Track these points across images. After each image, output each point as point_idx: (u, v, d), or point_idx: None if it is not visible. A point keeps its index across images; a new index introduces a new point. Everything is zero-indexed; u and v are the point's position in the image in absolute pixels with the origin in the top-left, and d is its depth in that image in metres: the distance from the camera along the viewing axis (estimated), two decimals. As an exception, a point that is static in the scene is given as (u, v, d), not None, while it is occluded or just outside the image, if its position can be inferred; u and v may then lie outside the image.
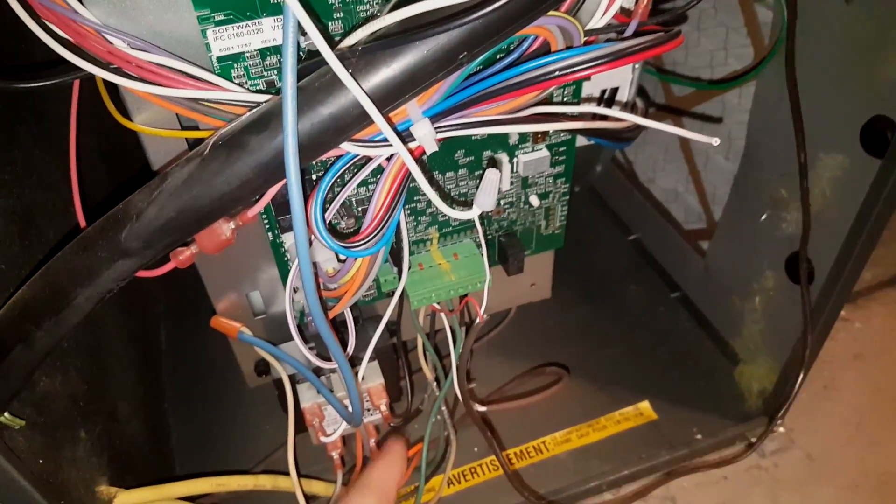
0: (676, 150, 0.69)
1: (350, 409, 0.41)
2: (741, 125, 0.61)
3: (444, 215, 0.42)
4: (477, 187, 0.41)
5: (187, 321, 0.71)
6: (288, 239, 0.38)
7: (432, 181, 0.38)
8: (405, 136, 0.30)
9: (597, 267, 0.71)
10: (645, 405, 0.60)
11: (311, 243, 0.35)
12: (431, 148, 0.29)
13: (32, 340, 0.28)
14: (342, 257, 0.39)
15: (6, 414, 0.32)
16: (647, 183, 0.74)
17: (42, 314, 0.28)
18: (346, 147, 0.29)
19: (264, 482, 0.49)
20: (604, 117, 0.36)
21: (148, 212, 0.26)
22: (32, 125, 0.48)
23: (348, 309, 0.40)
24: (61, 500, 0.36)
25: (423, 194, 0.41)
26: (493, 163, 0.39)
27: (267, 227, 0.39)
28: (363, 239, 0.32)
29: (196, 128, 0.33)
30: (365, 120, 0.26)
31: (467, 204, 0.41)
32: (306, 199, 0.32)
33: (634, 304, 0.68)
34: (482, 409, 0.46)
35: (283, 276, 0.43)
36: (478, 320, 0.39)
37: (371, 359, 0.44)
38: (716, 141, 0.30)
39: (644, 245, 0.73)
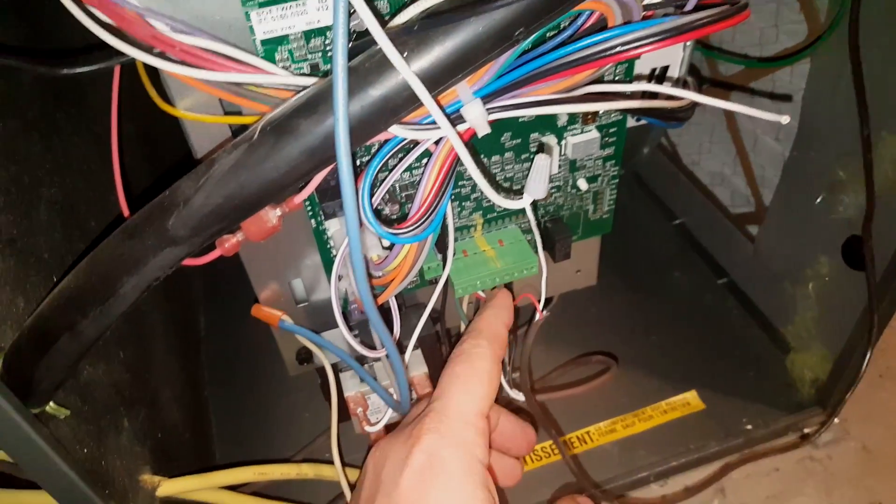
0: (723, 131, 0.67)
1: (395, 396, 0.40)
2: (794, 104, 0.58)
3: (490, 200, 0.41)
4: (523, 171, 0.40)
5: (226, 308, 0.71)
6: (332, 226, 0.37)
7: (482, 167, 0.37)
8: (455, 118, 0.28)
9: (640, 253, 0.69)
10: (692, 395, 0.58)
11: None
12: (483, 130, 0.28)
13: (78, 330, 0.28)
14: (386, 244, 0.38)
15: (51, 403, 0.32)
16: (691, 166, 0.72)
17: (88, 303, 0.27)
18: (395, 130, 0.28)
19: (307, 471, 0.48)
20: (655, 95, 0.35)
21: (195, 199, 0.25)
22: (72, 113, 0.48)
23: (393, 297, 0.39)
24: (106, 490, 0.36)
25: (468, 178, 0.40)
26: (542, 147, 0.38)
27: (310, 214, 0.39)
28: (411, 225, 0.31)
29: (239, 113, 0.33)
30: (416, 102, 0.25)
31: (514, 190, 0.40)
32: (353, 184, 0.31)
33: (680, 291, 0.66)
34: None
35: (326, 264, 0.42)
36: (537, 317, 0.38)
37: (414, 347, 0.43)
38: (785, 119, 0.28)
39: (689, 230, 0.71)
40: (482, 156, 0.38)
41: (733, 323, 0.63)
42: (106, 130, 0.50)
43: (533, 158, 0.39)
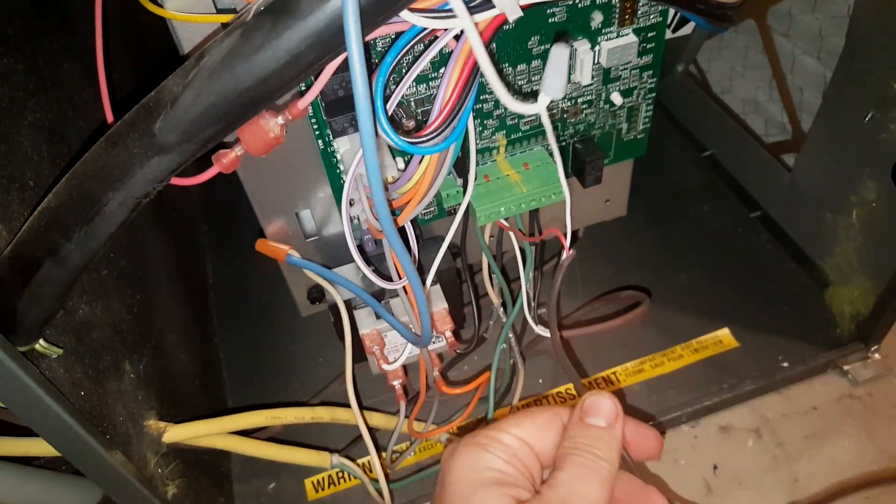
0: (757, 54, 0.62)
1: (415, 330, 0.37)
2: (837, 19, 0.54)
3: (514, 118, 0.37)
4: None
5: (233, 252, 0.68)
6: (341, 145, 0.33)
7: (497, 66, 0.33)
8: (479, 4, 0.25)
9: (668, 185, 0.66)
10: (724, 332, 0.55)
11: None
12: (514, 13, 0.24)
13: (63, 255, 0.25)
14: (402, 166, 0.35)
15: (42, 341, 0.30)
16: (721, 94, 0.68)
17: (71, 224, 0.24)
18: (411, 19, 0.24)
19: (322, 414, 0.46)
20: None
21: (184, 97, 0.22)
22: (62, 40, 0.44)
23: (409, 224, 0.36)
24: (106, 435, 0.33)
25: (491, 92, 0.36)
26: (561, 37, 0.33)
27: (317, 133, 0.35)
28: (430, 133, 0.27)
29: (234, 11, 0.29)
30: (437, -28, 0.21)
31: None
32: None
33: (711, 226, 0.63)
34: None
35: (336, 191, 0.38)
36: (564, 255, 0.34)
37: (433, 282, 0.40)
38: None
39: (720, 162, 0.66)
40: (506, 64, 0.34)
41: (767, 257, 0.60)
42: (95, 55, 0.46)
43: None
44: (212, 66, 0.22)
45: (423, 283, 0.38)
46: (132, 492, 0.35)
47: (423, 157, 0.29)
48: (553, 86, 0.28)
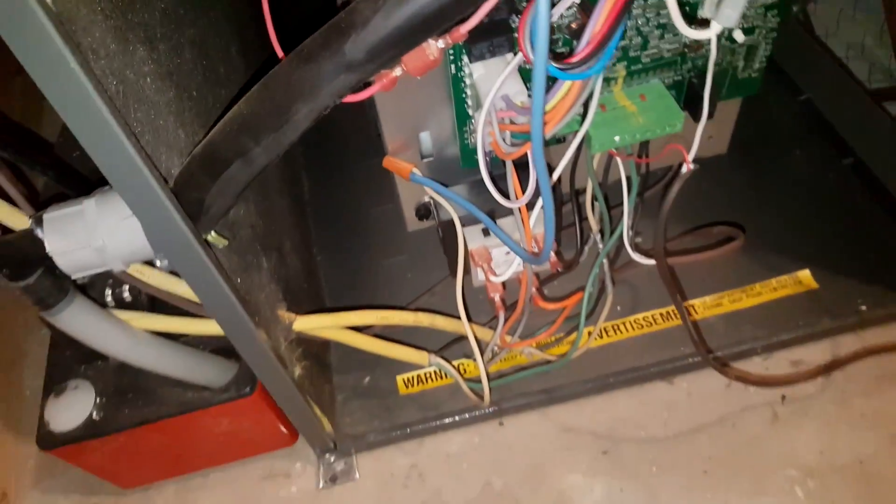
0: (870, -3, 0.61)
1: (525, 248, 0.40)
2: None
3: (636, 50, 0.39)
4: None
5: (325, 171, 0.72)
6: (476, 70, 0.36)
7: None
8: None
9: (762, 127, 0.66)
10: (805, 274, 0.57)
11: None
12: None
13: (251, 157, 0.29)
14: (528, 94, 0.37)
15: (213, 232, 0.34)
16: (824, 37, 0.67)
17: (262, 130, 0.28)
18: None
19: (422, 319, 0.50)
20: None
21: (375, 20, 0.25)
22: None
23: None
24: (255, 317, 0.38)
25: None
26: None
27: (451, 58, 0.38)
28: (579, 60, 0.29)
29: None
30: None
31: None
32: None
33: (801, 169, 0.63)
34: (649, 262, 0.44)
35: (460, 115, 0.41)
36: (684, 169, 0.36)
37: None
38: None
39: (816, 105, 0.66)
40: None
41: (855, 204, 0.60)
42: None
43: None
44: (402, -9, 0.24)
45: (532, 206, 0.41)
46: (271, 367, 0.40)
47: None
48: (731, 16, 0.29)
